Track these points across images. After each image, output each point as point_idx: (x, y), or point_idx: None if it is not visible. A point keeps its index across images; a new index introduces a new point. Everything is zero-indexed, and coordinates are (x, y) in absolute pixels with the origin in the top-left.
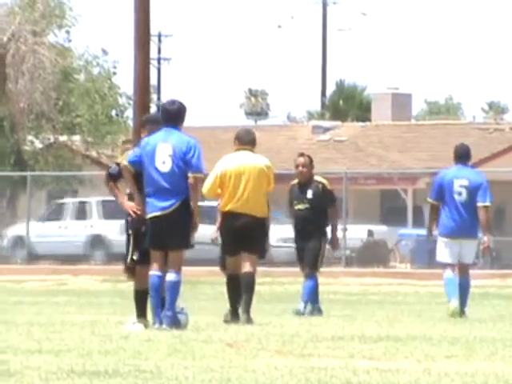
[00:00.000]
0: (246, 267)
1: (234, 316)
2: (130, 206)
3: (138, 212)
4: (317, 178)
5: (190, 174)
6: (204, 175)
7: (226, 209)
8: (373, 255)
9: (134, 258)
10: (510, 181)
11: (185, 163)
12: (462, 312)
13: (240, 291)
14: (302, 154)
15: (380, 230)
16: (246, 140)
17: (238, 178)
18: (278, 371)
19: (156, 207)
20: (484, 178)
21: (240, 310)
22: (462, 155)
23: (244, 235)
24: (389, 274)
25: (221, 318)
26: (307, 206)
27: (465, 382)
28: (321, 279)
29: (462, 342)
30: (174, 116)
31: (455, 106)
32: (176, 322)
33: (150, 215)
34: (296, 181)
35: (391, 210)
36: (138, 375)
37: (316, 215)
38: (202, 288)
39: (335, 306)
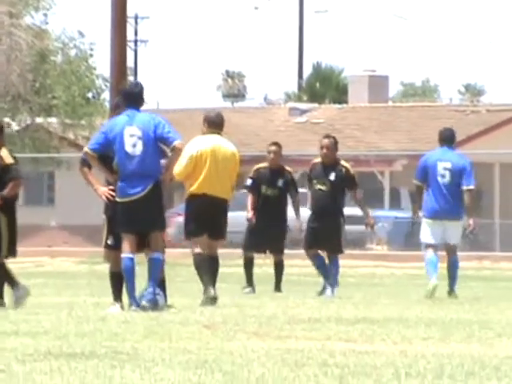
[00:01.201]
0: (214, 250)
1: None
2: (103, 191)
3: (111, 198)
4: (342, 162)
5: (175, 143)
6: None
7: (202, 191)
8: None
9: (109, 242)
10: (487, 163)
11: (159, 140)
12: (452, 291)
13: (210, 271)
14: (327, 136)
15: (357, 212)
16: (217, 123)
17: (214, 160)
18: (255, 353)
19: (128, 192)
20: (467, 161)
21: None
22: (447, 138)
23: (215, 217)
24: (365, 256)
25: (197, 299)
26: (328, 187)
27: (441, 363)
28: (298, 261)
29: (438, 324)
30: (138, 98)
31: (432, 89)
32: (155, 300)
33: (121, 200)
34: (319, 160)
35: (368, 192)
36: (114, 357)
37: (335, 197)
38: (178, 270)
39: (312, 288)
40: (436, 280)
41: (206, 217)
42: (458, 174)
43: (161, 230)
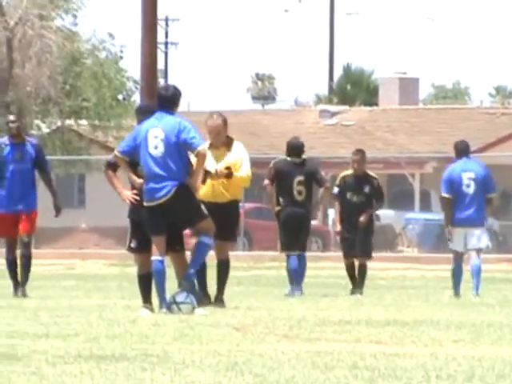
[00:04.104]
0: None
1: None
2: (127, 195)
3: (134, 202)
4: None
5: (199, 148)
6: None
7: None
8: (380, 240)
9: (132, 245)
10: None
11: (182, 145)
12: (476, 293)
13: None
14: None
15: (387, 214)
16: None
17: None
18: (285, 355)
19: (153, 196)
20: (487, 169)
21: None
22: (464, 150)
23: None
24: (396, 258)
25: (229, 302)
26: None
27: (472, 366)
28: (328, 263)
29: (468, 327)
30: (167, 101)
31: (462, 91)
32: (193, 283)
33: (147, 204)
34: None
35: (398, 195)
36: (144, 359)
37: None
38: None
39: (343, 290)
40: (458, 294)
41: None
42: (481, 182)
43: (202, 217)
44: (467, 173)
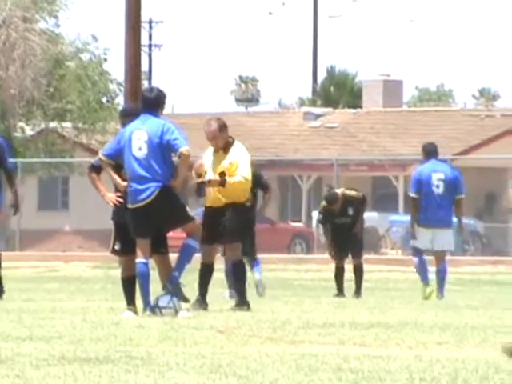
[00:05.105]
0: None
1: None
2: (110, 197)
3: (118, 204)
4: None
5: (181, 149)
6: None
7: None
8: (363, 242)
9: (116, 248)
10: (501, 167)
11: (166, 147)
12: (441, 296)
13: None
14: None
15: (371, 216)
16: None
17: None
18: (269, 358)
19: (136, 198)
20: (457, 171)
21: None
22: (432, 151)
23: None
24: (380, 260)
25: (213, 304)
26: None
27: (456, 368)
28: (312, 266)
29: (453, 329)
30: (151, 103)
31: (446, 93)
32: (178, 285)
33: (131, 206)
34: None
35: (382, 197)
36: (128, 362)
37: None
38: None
39: (327, 292)
40: (430, 288)
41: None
42: (450, 184)
43: (190, 220)
44: (437, 173)
